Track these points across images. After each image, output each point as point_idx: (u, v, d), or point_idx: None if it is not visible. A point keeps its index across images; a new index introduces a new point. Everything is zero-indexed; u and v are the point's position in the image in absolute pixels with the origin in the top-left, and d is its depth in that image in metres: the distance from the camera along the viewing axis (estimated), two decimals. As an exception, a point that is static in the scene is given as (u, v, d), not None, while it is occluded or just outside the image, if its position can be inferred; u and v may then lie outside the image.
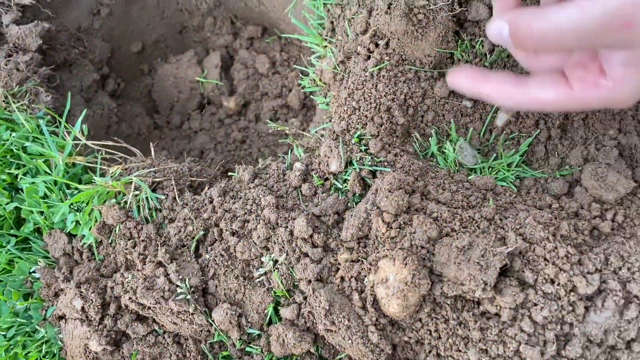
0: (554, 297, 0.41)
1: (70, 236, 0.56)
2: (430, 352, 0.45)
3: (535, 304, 0.41)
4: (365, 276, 0.46)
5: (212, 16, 0.86)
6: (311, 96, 0.64)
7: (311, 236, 0.49)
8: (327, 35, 0.61)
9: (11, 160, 0.58)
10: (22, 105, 0.61)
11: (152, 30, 0.86)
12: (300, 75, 0.64)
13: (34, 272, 0.56)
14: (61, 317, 0.54)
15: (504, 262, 0.42)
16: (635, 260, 0.41)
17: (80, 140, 0.58)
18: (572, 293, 0.41)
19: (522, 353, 0.41)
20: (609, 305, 0.41)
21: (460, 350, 0.43)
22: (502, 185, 0.50)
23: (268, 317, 0.50)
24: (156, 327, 0.52)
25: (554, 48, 0.40)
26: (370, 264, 0.46)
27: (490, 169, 0.52)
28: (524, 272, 0.42)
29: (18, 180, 0.57)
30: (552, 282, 0.41)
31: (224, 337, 0.50)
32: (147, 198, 0.54)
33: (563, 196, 0.49)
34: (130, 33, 0.84)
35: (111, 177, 0.56)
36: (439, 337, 0.44)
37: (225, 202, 0.53)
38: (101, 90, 0.78)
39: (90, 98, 0.75)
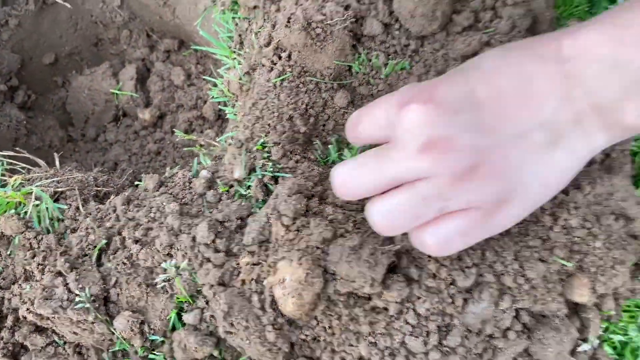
0: (436, 291, 0.44)
1: (-34, 249, 0.54)
2: (325, 348, 0.47)
3: (419, 298, 0.44)
4: (265, 278, 0.48)
5: (127, 29, 0.86)
6: (220, 107, 0.66)
7: (213, 241, 0.50)
8: (235, 48, 0.63)
9: None
10: None
11: (66, 42, 0.85)
12: (210, 87, 0.65)
13: None
14: (-46, 333, 0.52)
15: (392, 259, 0.45)
16: (508, 255, 0.45)
17: (-21, 150, 0.57)
18: (451, 286, 0.44)
19: (407, 344, 0.44)
20: (485, 297, 0.44)
21: (352, 345, 0.45)
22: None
23: (171, 323, 0.50)
24: (56, 338, 0.51)
25: None
26: (270, 266, 0.47)
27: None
28: (409, 268, 0.45)
29: None
30: (434, 276, 0.45)
31: (126, 345, 0.50)
32: (47, 208, 0.53)
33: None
34: (42, 44, 0.83)
35: (11, 187, 0.55)
36: (333, 334, 0.46)
37: (129, 211, 0.53)
38: (9, 102, 0.77)
39: (-4, 110, 0.73)
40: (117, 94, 0.82)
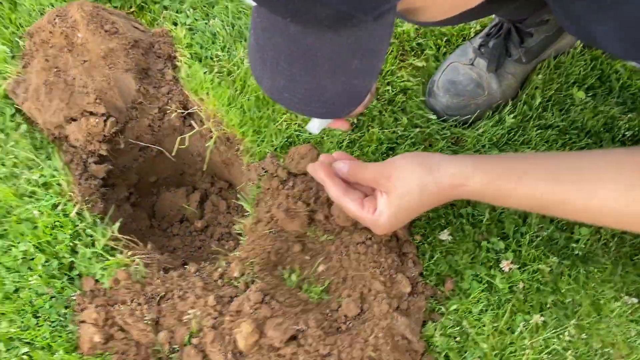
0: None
1: (96, 281, 1.08)
2: (252, 368, 0.96)
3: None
4: (233, 329, 0.98)
5: (201, 171, 1.44)
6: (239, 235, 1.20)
7: (214, 306, 1.02)
8: (253, 205, 1.18)
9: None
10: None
11: (164, 171, 1.44)
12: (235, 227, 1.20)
13: (72, 296, 1.07)
14: (82, 321, 1.04)
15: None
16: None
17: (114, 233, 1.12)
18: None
19: (288, 372, 0.93)
20: (330, 359, 0.93)
21: (264, 368, 0.95)
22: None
23: (185, 340, 1.01)
24: (128, 336, 1.02)
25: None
26: (238, 325, 0.98)
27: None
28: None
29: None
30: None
31: (160, 347, 1.01)
32: (139, 270, 1.07)
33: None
34: (151, 171, 1.42)
35: (124, 255, 1.10)
36: (258, 361, 0.96)
37: (179, 280, 1.06)
38: (127, 202, 1.34)
39: (119, 206, 1.31)
40: (185, 207, 1.39)
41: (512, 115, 1.16)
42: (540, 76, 1.19)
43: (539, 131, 1.15)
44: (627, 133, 1.14)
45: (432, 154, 0.78)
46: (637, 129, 1.15)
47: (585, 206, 0.68)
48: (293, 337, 0.96)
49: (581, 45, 1.22)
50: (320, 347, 0.94)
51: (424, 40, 1.28)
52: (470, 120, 1.18)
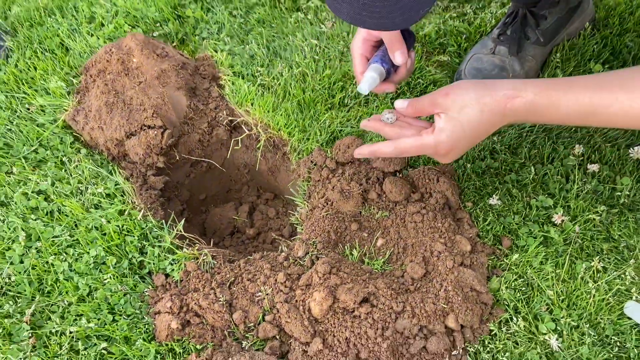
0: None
1: (166, 275, 1.13)
2: (328, 330, 0.98)
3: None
4: (307, 299, 1.01)
5: (247, 185, 1.52)
6: (295, 225, 1.25)
7: (284, 282, 1.05)
8: (305, 199, 1.24)
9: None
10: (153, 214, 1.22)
11: (211, 188, 1.51)
12: (289, 219, 1.26)
13: (145, 291, 1.11)
14: (157, 313, 1.07)
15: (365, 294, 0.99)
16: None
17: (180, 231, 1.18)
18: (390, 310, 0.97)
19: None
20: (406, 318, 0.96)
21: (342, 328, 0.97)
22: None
23: (259, 319, 1.04)
24: (203, 320, 1.05)
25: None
26: (310, 294, 1.02)
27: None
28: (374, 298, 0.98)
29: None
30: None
31: (236, 329, 1.04)
32: (206, 261, 1.12)
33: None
34: (201, 188, 1.49)
35: (192, 250, 1.15)
36: (334, 325, 0.98)
37: (246, 266, 1.11)
38: (179, 216, 1.40)
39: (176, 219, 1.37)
40: (235, 218, 1.45)
41: (538, 91, 1.25)
42: (558, 55, 1.30)
43: (565, 101, 1.23)
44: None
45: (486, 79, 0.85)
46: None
47: (630, 107, 0.75)
48: (365, 300, 0.99)
49: (590, 27, 1.34)
50: (393, 304, 0.97)
51: (445, 39, 1.40)
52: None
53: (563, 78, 0.84)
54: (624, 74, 0.79)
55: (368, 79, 0.92)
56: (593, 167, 1.12)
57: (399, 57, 0.92)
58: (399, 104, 0.91)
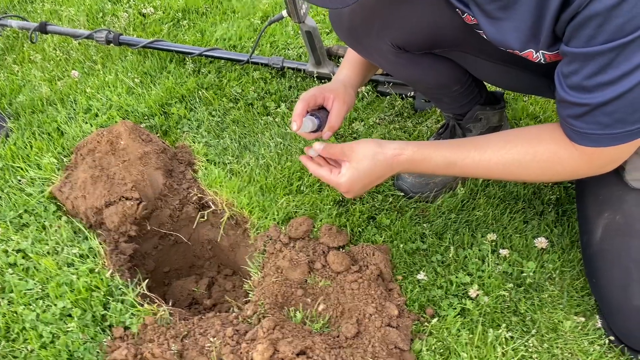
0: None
1: (125, 328, 1.24)
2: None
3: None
4: (250, 351, 1.13)
5: (209, 261, 1.67)
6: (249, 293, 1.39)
7: (231, 336, 1.18)
8: (260, 269, 1.40)
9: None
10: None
11: (175, 262, 1.65)
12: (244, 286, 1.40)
13: (104, 341, 1.21)
14: (112, 360, 1.17)
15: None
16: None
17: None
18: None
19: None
20: None
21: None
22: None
23: (206, 369, 1.14)
24: None
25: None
26: (253, 347, 1.14)
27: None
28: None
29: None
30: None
31: (184, 376, 1.13)
32: (164, 317, 1.24)
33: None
34: (165, 262, 1.64)
35: (151, 307, 1.27)
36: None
37: (199, 324, 1.23)
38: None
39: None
40: (195, 290, 1.58)
41: (462, 190, 1.49)
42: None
43: (485, 199, 1.47)
44: (552, 197, 1.47)
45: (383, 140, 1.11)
46: (558, 193, 1.48)
47: (480, 160, 1.01)
48: (302, 352, 1.12)
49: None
50: (326, 356, 1.10)
51: (389, 145, 1.66)
52: (432, 196, 1.50)
53: (435, 141, 1.11)
54: (478, 138, 1.06)
55: (305, 121, 1.15)
56: (504, 252, 1.32)
57: (328, 132, 1.21)
58: (318, 145, 1.13)
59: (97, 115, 1.82)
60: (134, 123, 1.61)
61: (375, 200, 1.49)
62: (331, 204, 1.47)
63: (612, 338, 1.16)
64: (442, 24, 1.11)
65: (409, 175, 1.51)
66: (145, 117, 1.80)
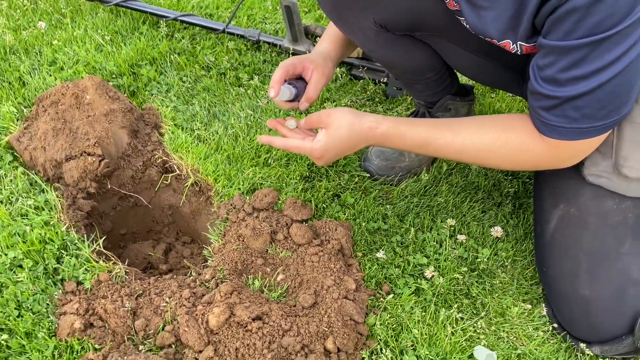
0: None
1: (78, 283, 1.21)
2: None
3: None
4: (206, 313, 1.13)
5: (167, 227, 1.64)
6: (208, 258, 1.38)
7: (188, 298, 1.17)
8: (221, 237, 1.39)
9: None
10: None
11: (134, 225, 1.63)
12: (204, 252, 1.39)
13: (55, 294, 1.18)
14: (62, 313, 1.14)
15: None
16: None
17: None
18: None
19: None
20: (291, 332, 1.10)
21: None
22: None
23: (159, 328, 1.13)
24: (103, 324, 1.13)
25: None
26: (210, 309, 1.14)
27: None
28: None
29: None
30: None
31: (135, 336, 1.12)
32: (120, 275, 1.22)
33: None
34: (122, 224, 1.61)
35: (106, 264, 1.24)
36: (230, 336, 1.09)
37: (155, 284, 1.22)
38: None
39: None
40: (151, 254, 1.55)
41: (426, 176, 1.52)
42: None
43: (447, 186, 1.50)
44: (510, 190, 1.52)
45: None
46: (517, 187, 1.53)
47: (452, 142, 1.04)
48: (258, 317, 1.13)
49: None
50: (282, 322, 1.11)
51: (359, 127, 1.68)
52: (396, 180, 1.52)
53: (411, 118, 1.13)
54: (453, 120, 1.09)
55: (282, 89, 1.15)
56: (461, 238, 1.36)
57: (305, 103, 1.22)
58: (302, 121, 1.14)
59: (62, 68, 1.76)
60: (101, 79, 1.56)
61: (342, 179, 1.51)
62: (297, 178, 1.48)
63: (555, 325, 1.22)
64: (425, 7, 1.13)
65: (376, 157, 1.53)
66: (114, 76, 1.75)
